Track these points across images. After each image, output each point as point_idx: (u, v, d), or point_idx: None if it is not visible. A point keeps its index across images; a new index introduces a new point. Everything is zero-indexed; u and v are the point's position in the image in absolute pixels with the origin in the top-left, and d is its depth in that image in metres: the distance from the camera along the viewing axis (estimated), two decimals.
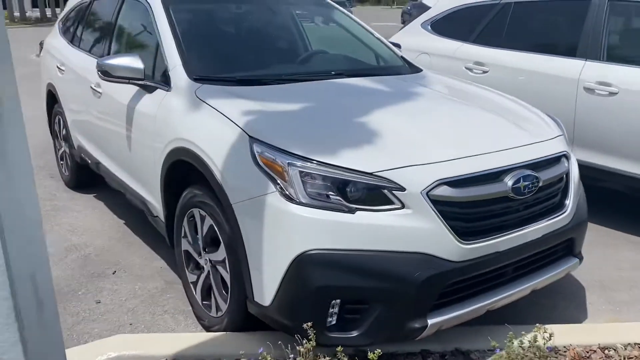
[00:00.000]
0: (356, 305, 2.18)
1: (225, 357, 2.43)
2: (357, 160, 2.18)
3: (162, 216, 3.16)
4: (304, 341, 2.11)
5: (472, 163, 2.27)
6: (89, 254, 3.74)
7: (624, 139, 3.86)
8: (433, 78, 3.46)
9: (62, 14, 5.32)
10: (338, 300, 2.15)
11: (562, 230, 2.54)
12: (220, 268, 2.61)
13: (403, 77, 3.43)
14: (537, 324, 2.27)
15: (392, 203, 2.13)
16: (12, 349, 1.67)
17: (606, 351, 2.49)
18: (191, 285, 2.93)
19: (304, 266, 2.11)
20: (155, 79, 3.14)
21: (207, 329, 2.78)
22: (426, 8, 5.57)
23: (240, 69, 3.25)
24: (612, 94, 3.89)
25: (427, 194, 2.12)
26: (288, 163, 2.17)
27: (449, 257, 2.15)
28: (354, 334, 2.17)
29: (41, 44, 5.85)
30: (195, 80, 2.91)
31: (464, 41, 4.97)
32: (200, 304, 2.86)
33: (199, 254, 2.81)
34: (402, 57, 3.80)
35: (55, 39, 5.11)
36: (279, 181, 2.18)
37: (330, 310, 2.15)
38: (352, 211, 2.11)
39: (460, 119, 2.69)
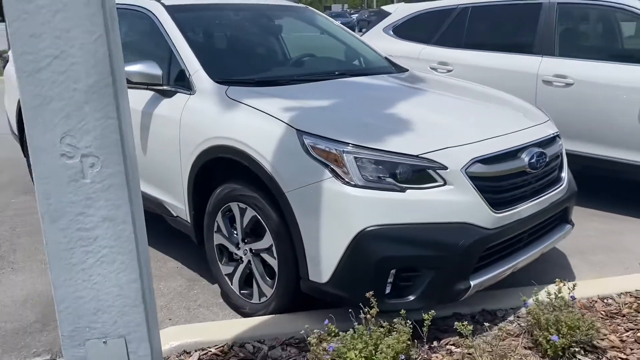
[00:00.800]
0: (409, 273, 2.46)
1: (284, 336, 2.64)
2: (402, 145, 2.47)
3: (184, 215, 3.30)
4: (365, 309, 2.36)
5: (496, 143, 2.62)
6: None
7: (580, 123, 4.40)
8: (424, 76, 3.82)
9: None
10: (394, 270, 2.42)
11: (560, 200, 2.95)
12: (265, 255, 2.81)
13: (396, 75, 3.75)
14: (557, 279, 2.65)
15: (435, 181, 2.43)
16: (138, 329, 1.82)
17: (605, 300, 2.92)
18: (226, 278, 3.10)
19: (365, 241, 2.37)
20: (171, 84, 3.28)
21: (249, 316, 2.95)
22: (386, 14, 5.93)
23: (254, 72, 3.45)
24: (568, 85, 4.42)
25: (465, 171, 2.45)
26: (343, 151, 2.42)
27: (486, 225, 2.48)
28: (410, 298, 2.45)
29: (4, 57, 5.71)
30: (219, 82, 3.09)
31: (427, 43, 5.40)
32: (238, 293, 3.03)
33: (236, 246, 2.98)
34: (386, 58, 4.14)
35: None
36: (334, 168, 2.43)
37: (388, 279, 2.42)
38: (403, 190, 2.39)
39: (470, 107, 3.05)
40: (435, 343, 2.53)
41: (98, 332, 1.79)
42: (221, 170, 2.97)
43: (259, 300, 2.92)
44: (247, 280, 3.02)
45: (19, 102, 4.91)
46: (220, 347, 2.57)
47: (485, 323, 2.63)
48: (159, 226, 4.15)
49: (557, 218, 3.04)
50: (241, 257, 2.98)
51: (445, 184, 2.43)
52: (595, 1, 4.49)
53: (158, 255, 3.84)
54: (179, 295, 3.32)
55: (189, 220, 3.29)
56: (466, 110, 2.98)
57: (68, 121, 1.60)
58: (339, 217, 2.42)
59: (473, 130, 2.68)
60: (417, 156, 2.44)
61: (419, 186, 2.42)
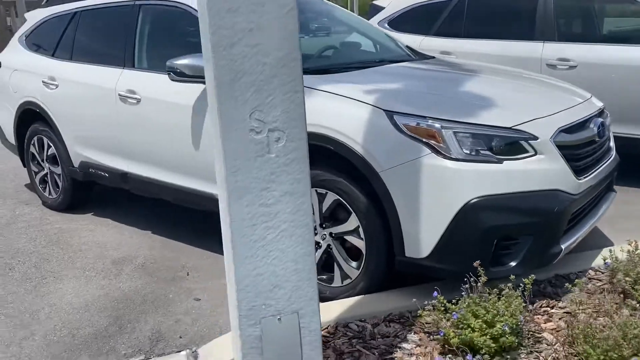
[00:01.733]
0: (509, 241, 2.58)
1: (381, 313, 2.69)
2: (494, 118, 2.60)
3: None
4: (472, 279, 2.47)
5: (570, 114, 2.80)
6: (144, 263, 3.69)
7: None
8: (455, 61, 3.99)
9: (23, 29, 5.01)
10: (497, 239, 2.54)
11: (612, 168, 3.17)
12: (350, 237, 2.85)
13: (432, 61, 3.88)
14: (627, 239, 2.85)
15: (527, 151, 2.57)
16: (310, 303, 1.85)
17: None
18: None
19: (471, 212, 2.47)
20: None
21: (329, 300, 2.98)
22: (379, 9, 6.05)
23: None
24: (571, 67, 4.71)
25: (553, 140, 2.60)
26: (442, 126, 2.52)
27: (572, 191, 2.64)
28: (512, 265, 2.58)
29: None
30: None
31: (426, 34, 5.59)
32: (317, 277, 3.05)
33: (313, 232, 3.01)
34: (408, 47, 4.26)
35: (21, 55, 4.84)
36: (432, 144, 2.52)
37: (492, 248, 2.53)
38: (500, 161, 2.51)
39: (527, 85, 3.23)
40: (530, 307, 2.67)
41: (273, 309, 1.80)
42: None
43: (342, 283, 2.96)
44: (324, 266, 3.05)
45: (18, 109, 4.71)
46: (326, 329, 2.59)
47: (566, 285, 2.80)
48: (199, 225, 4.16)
49: (609, 185, 3.26)
50: (318, 243, 3.01)
51: (536, 153, 2.57)
52: None
53: (204, 254, 3.78)
54: None
55: None
56: (527, 88, 3.16)
57: (258, 96, 1.61)
58: (441, 191, 2.51)
59: (547, 104, 2.84)
60: (510, 128, 2.57)
61: (513, 157, 2.55)
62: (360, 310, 2.74)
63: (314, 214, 2.94)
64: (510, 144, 2.57)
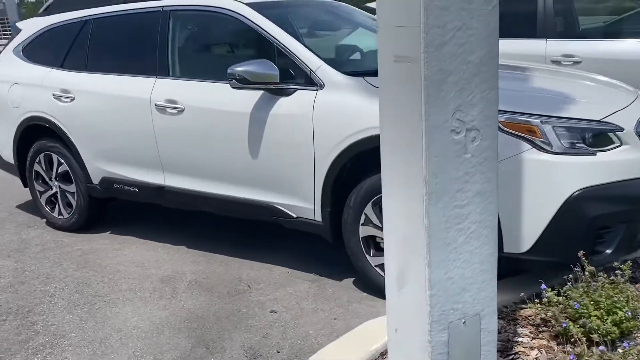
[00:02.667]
0: (604, 230, 2.66)
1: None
2: (583, 112, 2.67)
3: (311, 215, 3.22)
4: (577, 269, 2.52)
5: (638, 106, 2.92)
6: (196, 279, 3.53)
7: None
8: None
9: (19, 40, 4.67)
10: (597, 229, 2.61)
11: None
12: None
13: None
14: None
15: (613, 142, 2.66)
16: (490, 304, 1.85)
17: None
18: (377, 269, 3.08)
19: (575, 204, 2.53)
20: (287, 81, 3.17)
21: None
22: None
23: (358, 63, 3.45)
24: (576, 62, 4.92)
25: (635, 130, 2.71)
26: (541, 121, 2.56)
27: None
28: (608, 252, 2.66)
29: None
30: (348, 75, 3.08)
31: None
32: None
33: None
34: None
35: (21, 67, 4.52)
36: (532, 139, 2.56)
37: (593, 237, 2.60)
38: (594, 153, 2.59)
39: (585, 81, 3.32)
40: None
41: (459, 313, 1.76)
42: (373, 160, 2.95)
43: None
44: None
45: (20, 125, 4.41)
46: None
47: None
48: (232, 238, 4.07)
49: None
50: None
51: (621, 144, 2.67)
52: None
53: (256, 265, 3.66)
54: (320, 297, 3.22)
55: (318, 219, 3.21)
56: (587, 84, 3.26)
57: (460, 95, 1.58)
58: (544, 185, 2.55)
59: (618, 97, 2.95)
60: (599, 121, 2.65)
61: (604, 148, 2.63)
62: None
63: None
64: (599, 136, 2.65)
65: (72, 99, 4.10)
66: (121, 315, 3.14)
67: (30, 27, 4.63)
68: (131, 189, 3.98)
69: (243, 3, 3.48)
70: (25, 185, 4.77)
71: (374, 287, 3.13)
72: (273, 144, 3.23)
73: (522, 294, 2.57)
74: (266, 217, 3.45)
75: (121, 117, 3.85)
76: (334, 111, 3.01)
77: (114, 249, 4.10)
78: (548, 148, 2.55)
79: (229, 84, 3.26)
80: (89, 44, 4.15)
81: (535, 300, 2.56)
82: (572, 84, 3.25)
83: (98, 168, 4.11)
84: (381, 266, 3.06)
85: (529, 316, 2.65)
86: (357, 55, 3.73)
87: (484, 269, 1.77)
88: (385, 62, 1.67)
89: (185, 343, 2.83)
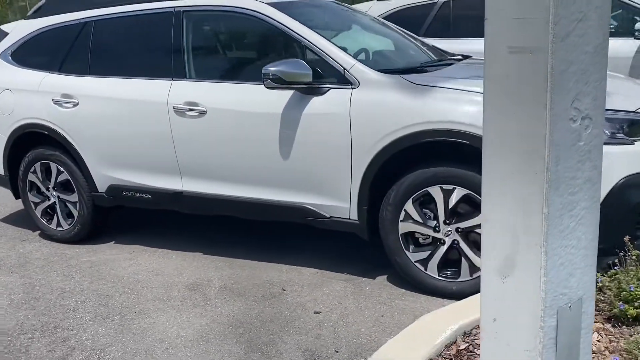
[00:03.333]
0: None
1: None
2: (619, 104, 2.79)
3: (346, 214, 3.22)
4: (621, 254, 2.63)
5: None
6: (225, 285, 3.44)
7: None
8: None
9: (6, 44, 4.41)
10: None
11: None
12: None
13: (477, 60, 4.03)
14: None
15: None
16: (590, 288, 1.91)
17: None
18: (417, 265, 3.10)
19: (619, 192, 2.64)
20: (319, 81, 3.14)
21: (456, 295, 3.01)
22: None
23: (388, 61, 3.47)
24: None
25: None
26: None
27: None
28: None
29: None
30: (382, 72, 3.10)
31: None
32: (437, 276, 3.07)
33: (434, 229, 3.02)
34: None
35: (10, 72, 4.29)
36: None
37: (636, 223, 2.72)
38: (632, 142, 2.71)
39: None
40: None
41: (566, 298, 1.80)
42: (412, 157, 2.98)
43: (471, 276, 3.00)
44: (445, 262, 3.07)
45: (12, 134, 4.20)
46: None
47: None
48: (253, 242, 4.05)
49: None
50: (441, 240, 3.02)
51: None
52: None
53: (284, 268, 3.61)
54: (360, 295, 3.21)
55: (354, 218, 3.21)
56: (610, 80, 3.41)
57: (577, 84, 1.62)
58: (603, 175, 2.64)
59: (638, 90, 3.11)
60: (634, 112, 2.78)
61: (637, 138, 2.76)
62: None
63: (437, 212, 2.98)
64: (634, 126, 2.78)
65: (75, 104, 3.91)
66: (158, 325, 3.02)
67: (19, 30, 4.40)
68: (143, 196, 3.84)
69: (265, 3, 3.44)
70: (17, 197, 4.52)
71: (414, 282, 3.16)
72: (306, 143, 3.20)
73: None
74: (296, 219, 3.41)
75: (133, 121, 3.71)
76: (373, 109, 3.02)
77: (125, 259, 3.94)
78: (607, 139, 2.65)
79: (255, 85, 3.26)
80: (91, 47, 3.98)
81: None
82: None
83: (105, 175, 3.95)
84: (421, 262, 3.10)
85: None
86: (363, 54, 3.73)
87: (587, 254, 1.82)
88: (495, 53, 1.69)
89: (237, 349, 2.76)
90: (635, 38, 4.96)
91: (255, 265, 3.68)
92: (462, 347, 2.52)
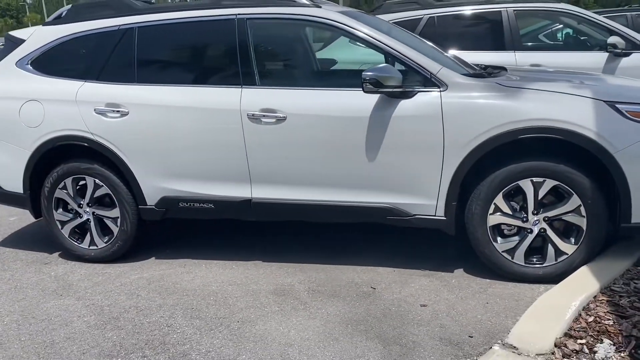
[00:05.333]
0: None
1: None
2: None
3: (432, 211, 3.39)
4: None
5: None
6: (311, 288, 3.45)
7: None
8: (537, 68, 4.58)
9: (24, 51, 4.06)
10: None
11: None
12: (569, 217, 3.21)
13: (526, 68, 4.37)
14: None
15: None
16: None
17: None
18: (503, 254, 3.34)
19: None
20: (406, 84, 3.30)
21: (541, 279, 3.28)
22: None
23: (457, 66, 3.67)
24: None
25: None
26: None
27: None
28: None
29: None
30: (469, 75, 3.34)
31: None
32: (523, 263, 3.32)
33: (522, 220, 3.28)
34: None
35: (34, 82, 3.96)
36: None
37: None
38: None
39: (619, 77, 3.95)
40: None
41: None
42: (502, 154, 3.22)
43: (556, 260, 3.29)
44: (531, 250, 3.33)
45: (40, 147, 3.92)
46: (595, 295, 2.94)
47: None
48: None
49: None
50: (529, 229, 3.29)
51: None
52: None
53: (358, 268, 3.69)
54: (453, 288, 3.37)
55: (440, 215, 3.38)
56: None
57: None
58: None
59: None
60: None
61: None
62: (603, 277, 3.11)
63: (526, 203, 3.25)
64: None
65: (124, 114, 3.72)
66: (273, 331, 2.98)
67: (39, 37, 4.08)
68: (204, 206, 3.73)
69: (337, 12, 3.54)
70: (37, 216, 4.16)
71: (501, 271, 3.38)
72: (396, 145, 3.33)
73: None
74: (378, 219, 3.51)
75: (198, 130, 3.61)
76: (465, 110, 3.22)
77: (183, 273, 3.79)
78: None
79: (340, 90, 3.38)
80: (136, 54, 3.81)
81: None
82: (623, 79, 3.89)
83: (157, 187, 3.78)
84: (508, 251, 3.35)
85: None
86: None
87: None
88: None
89: (373, 344, 2.81)
90: (606, 51, 5.65)
91: (325, 268, 3.72)
92: (590, 319, 2.78)
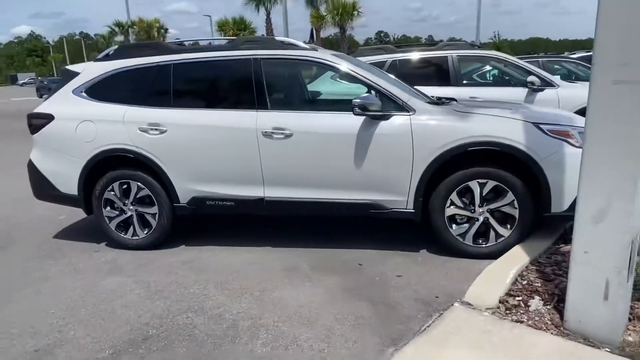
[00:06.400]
0: None
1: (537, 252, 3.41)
2: (578, 122, 3.56)
3: (404, 205, 3.62)
4: None
5: None
6: (313, 266, 3.63)
7: None
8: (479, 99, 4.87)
9: (79, 82, 4.16)
10: None
11: None
12: (506, 209, 3.49)
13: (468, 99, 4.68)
14: None
15: None
16: None
17: None
18: (457, 238, 3.60)
19: None
20: (383, 110, 3.55)
21: (486, 256, 3.54)
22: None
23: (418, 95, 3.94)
24: None
25: None
26: (572, 128, 3.39)
27: None
28: None
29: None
30: (431, 103, 3.62)
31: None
32: (472, 244, 3.59)
33: (471, 211, 3.55)
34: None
35: (88, 106, 4.07)
36: (568, 140, 3.36)
37: None
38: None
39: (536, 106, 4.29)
40: None
41: (635, 231, 2.40)
42: (458, 162, 3.49)
43: (496, 241, 3.56)
44: (477, 233, 3.60)
45: (92, 158, 4.03)
46: (527, 265, 3.21)
47: None
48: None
49: None
50: (476, 218, 3.56)
51: None
52: None
53: (345, 251, 3.89)
54: (420, 264, 3.60)
55: (410, 208, 3.62)
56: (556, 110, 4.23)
57: None
58: (576, 167, 3.33)
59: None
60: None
61: None
62: (532, 252, 3.40)
63: (474, 199, 3.52)
64: None
65: (164, 132, 3.87)
66: (287, 297, 3.15)
67: (91, 70, 4.19)
68: (227, 204, 3.89)
69: (330, 54, 3.79)
70: (89, 213, 4.24)
71: (455, 250, 3.63)
72: (377, 155, 3.56)
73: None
74: (363, 212, 3.72)
75: (222, 144, 3.78)
76: (429, 129, 3.49)
77: (210, 256, 3.93)
78: (576, 144, 3.37)
79: (333, 113, 3.60)
80: (172, 85, 3.97)
81: None
82: (538, 108, 4.22)
83: (188, 189, 3.93)
84: (460, 235, 3.60)
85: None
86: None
87: None
88: (601, 85, 2.27)
89: (365, 304, 3.01)
90: (526, 87, 6.06)
91: (323, 251, 3.91)
92: (524, 283, 3.05)
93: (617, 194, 2.34)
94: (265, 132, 3.69)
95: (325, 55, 3.77)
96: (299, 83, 4.37)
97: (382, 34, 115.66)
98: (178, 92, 3.98)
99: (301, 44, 3.90)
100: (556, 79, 6.33)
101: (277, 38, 3.94)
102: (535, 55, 10.66)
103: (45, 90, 34.51)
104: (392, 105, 3.59)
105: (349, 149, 3.58)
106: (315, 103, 4.33)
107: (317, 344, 2.60)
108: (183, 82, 4.00)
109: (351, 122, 3.57)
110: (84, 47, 77.01)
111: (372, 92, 3.67)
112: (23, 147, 5.36)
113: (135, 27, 39.06)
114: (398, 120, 3.55)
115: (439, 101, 3.93)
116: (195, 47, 4.10)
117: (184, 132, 3.85)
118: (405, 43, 17.54)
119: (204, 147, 3.82)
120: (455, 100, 4.13)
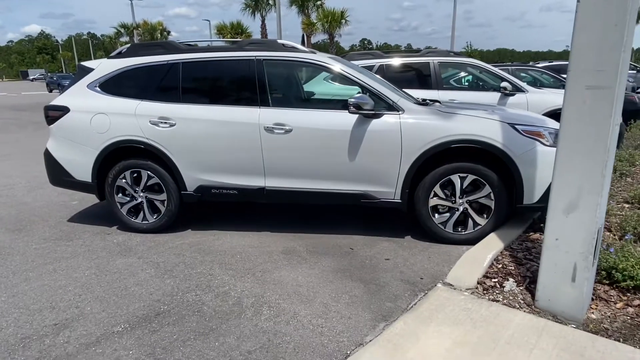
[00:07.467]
0: None
1: (511, 239, 3.45)
2: (551, 124, 3.60)
3: (392, 196, 3.62)
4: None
5: None
6: (307, 249, 3.62)
7: None
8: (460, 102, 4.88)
9: (93, 77, 4.06)
10: None
11: None
12: (483, 200, 3.52)
13: (449, 101, 4.69)
14: None
15: None
16: (602, 220, 2.57)
17: None
18: (439, 225, 3.62)
19: None
20: (375, 109, 3.54)
21: (463, 242, 3.58)
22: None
23: (407, 97, 3.93)
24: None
25: None
26: (544, 129, 3.42)
27: None
28: None
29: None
30: (417, 104, 3.61)
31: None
32: (452, 231, 3.62)
33: (452, 202, 3.57)
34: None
35: (102, 100, 3.97)
36: (539, 139, 3.40)
37: None
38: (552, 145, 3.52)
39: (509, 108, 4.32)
40: None
41: (599, 224, 2.44)
42: (441, 157, 3.50)
43: (474, 229, 3.59)
44: (458, 223, 3.62)
45: (105, 148, 3.95)
46: (501, 250, 3.24)
47: None
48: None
49: None
50: (456, 208, 3.58)
51: None
52: None
53: (338, 237, 3.88)
54: (405, 248, 3.61)
55: (397, 198, 3.63)
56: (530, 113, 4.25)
57: (619, 105, 2.29)
58: (547, 163, 3.39)
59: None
60: (555, 129, 3.60)
61: None
62: (501, 240, 3.43)
63: (455, 191, 3.54)
64: None
65: (172, 125, 3.80)
66: (285, 277, 3.14)
67: (105, 67, 4.09)
68: (230, 192, 3.85)
69: (327, 57, 3.75)
70: (101, 199, 4.16)
71: (437, 237, 3.65)
72: (369, 150, 3.55)
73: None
74: (354, 202, 3.72)
75: (227, 137, 3.73)
76: (417, 127, 3.49)
77: (214, 240, 3.89)
78: (547, 144, 3.41)
79: (329, 111, 3.56)
80: (181, 82, 3.90)
81: None
82: (515, 110, 4.25)
83: (195, 178, 3.87)
84: (442, 223, 3.62)
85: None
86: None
87: (606, 200, 2.49)
88: (575, 89, 2.29)
89: (357, 284, 3.02)
90: (499, 92, 6.10)
91: (317, 236, 3.90)
92: (499, 266, 3.08)
93: (586, 188, 2.37)
94: (267, 127, 3.65)
95: (323, 58, 3.73)
96: (297, 83, 4.33)
97: (365, 41, 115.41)
98: (186, 88, 3.91)
99: (301, 47, 3.86)
100: (524, 84, 6.38)
101: (279, 41, 3.89)
102: (509, 63, 10.75)
103: (54, 85, 33.77)
104: (383, 104, 3.58)
105: (344, 144, 3.57)
106: (311, 102, 4.30)
107: (316, 319, 2.60)
108: (191, 79, 3.93)
109: (346, 119, 3.55)
110: (91, 46, 75.40)
111: (366, 92, 3.65)
112: (36, 137, 5.22)
113: (139, 29, 38.31)
114: (389, 118, 3.54)
115: (424, 102, 3.93)
116: (203, 47, 4.02)
117: (192, 125, 3.78)
118: (387, 50, 17.58)
119: (210, 140, 3.77)
120: (439, 102, 4.13)
